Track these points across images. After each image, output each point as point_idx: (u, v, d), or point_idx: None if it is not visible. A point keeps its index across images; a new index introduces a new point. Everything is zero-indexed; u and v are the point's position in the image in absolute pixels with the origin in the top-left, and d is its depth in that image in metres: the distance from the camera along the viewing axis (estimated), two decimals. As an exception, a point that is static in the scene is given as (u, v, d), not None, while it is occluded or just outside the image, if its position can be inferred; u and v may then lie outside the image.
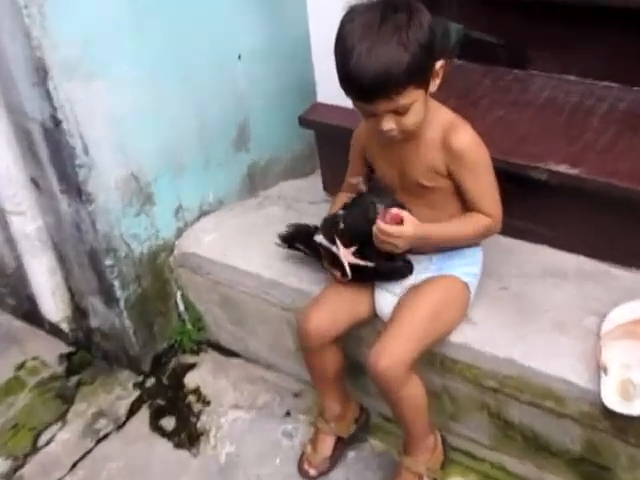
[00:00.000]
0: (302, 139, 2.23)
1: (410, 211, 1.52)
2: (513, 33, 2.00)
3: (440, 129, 1.51)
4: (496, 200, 1.54)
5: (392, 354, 1.50)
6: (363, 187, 1.60)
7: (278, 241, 1.85)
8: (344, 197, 1.69)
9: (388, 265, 1.58)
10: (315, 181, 2.18)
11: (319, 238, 1.66)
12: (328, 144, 2.05)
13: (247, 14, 2.02)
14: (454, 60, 2.13)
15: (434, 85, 1.46)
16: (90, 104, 1.72)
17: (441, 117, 1.52)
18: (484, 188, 1.53)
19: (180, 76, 1.90)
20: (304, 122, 2.02)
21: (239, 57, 2.04)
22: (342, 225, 1.59)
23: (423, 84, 1.42)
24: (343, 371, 1.72)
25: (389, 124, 1.44)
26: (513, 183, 1.70)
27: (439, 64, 1.44)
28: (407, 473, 1.64)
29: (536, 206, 1.78)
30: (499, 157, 1.69)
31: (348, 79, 1.41)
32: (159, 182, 1.94)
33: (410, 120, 1.44)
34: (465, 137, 1.50)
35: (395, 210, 1.48)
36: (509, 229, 1.80)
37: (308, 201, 2.13)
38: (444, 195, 1.56)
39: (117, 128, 1.79)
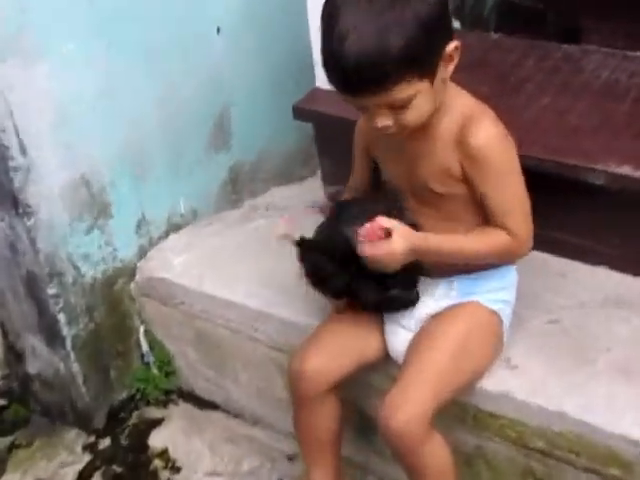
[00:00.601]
0: (297, 134, 2.24)
1: (416, 224, 1.52)
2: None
3: (458, 121, 1.50)
4: (523, 215, 1.52)
5: (409, 407, 1.49)
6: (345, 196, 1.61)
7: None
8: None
9: (378, 295, 1.57)
10: (313, 186, 2.20)
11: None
12: (330, 140, 2.06)
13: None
14: (490, 33, 2.15)
15: (446, 71, 1.44)
16: (28, 91, 1.72)
17: (460, 106, 1.51)
18: (507, 198, 1.50)
19: (142, 55, 1.91)
20: (300, 112, 2.03)
21: (218, 30, 2.05)
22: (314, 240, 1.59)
23: (427, 73, 1.40)
24: (340, 433, 1.71)
25: (384, 120, 1.43)
26: (564, 188, 1.71)
27: (452, 45, 1.41)
28: None
29: (593, 218, 1.78)
30: (546, 156, 1.70)
31: (328, 65, 1.40)
32: (116, 189, 1.95)
33: (410, 116, 1.43)
34: (486, 131, 1.48)
35: (376, 223, 1.46)
36: (560, 247, 1.80)
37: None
38: (461, 205, 1.55)
39: (63, 121, 1.79)
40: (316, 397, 1.64)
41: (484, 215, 1.54)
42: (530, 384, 1.60)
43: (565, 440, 1.56)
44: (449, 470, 1.57)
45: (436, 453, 1.54)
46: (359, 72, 1.35)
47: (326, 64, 1.41)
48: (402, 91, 1.38)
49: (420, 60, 1.37)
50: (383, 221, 1.47)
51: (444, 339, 1.57)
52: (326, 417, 1.68)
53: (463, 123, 1.49)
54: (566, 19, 2.03)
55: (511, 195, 1.50)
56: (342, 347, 1.64)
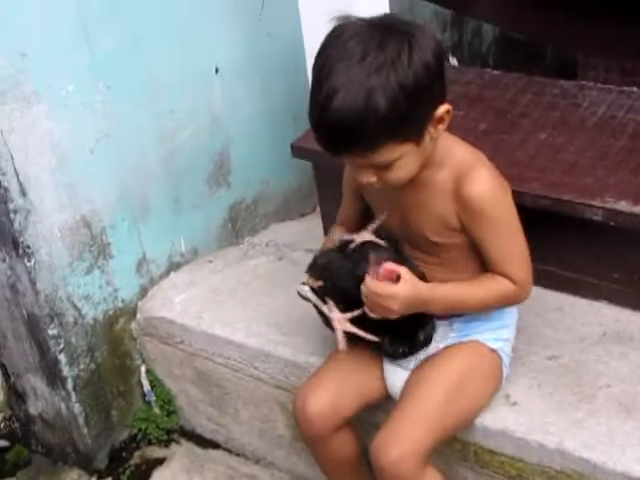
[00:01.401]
0: (297, 171, 2.26)
1: (424, 275, 1.52)
2: (561, 35, 2.03)
3: (453, 172, 1.50)
4: (523, 262, 1.52)
5: (402, 444, 1.49)
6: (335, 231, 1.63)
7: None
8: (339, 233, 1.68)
9: (392, 345, 1.58)
10: (315, 223, 2.21)
11: (304, 290, 1.65)
12: (329, 178, 2.06)
13: (227, 19, 2.07)
14: (488, 70, 2.17)
15: (436, 132, 1.43)
16: (28, 133, 1.74)
17: (456, 157, 1.51)
18: (506, 246, 1.51)
19: (142, 96, 1.93)
20: (298, 151, 2.04)
21: (216, 71, 2.08)
22: (320, 282, 1.59)
23: (412, 137, 1.39)
24: (361, 455, 1.71)
25: (368, 177, 1.44)
26: (561, 224, 1.72)
27: (443, 109, 1.40)
28: None
29: (592, 253, 1.78)
30: (543, 192, 1.71)
31: (313, 120, 1.40)
32: (117, 229, 1.96)
33: (394, 175, 1.43)
34: (481, 183, 1.47)
35: (389, 265, 1.46)
36: (558, 282, 1.81)
37: (305, 249, 2.14)
38: (459, 253, 1.56)
39: (62, 163, 1.81)
40: (325, 435, 1.65)
41: (482, 262, 1.54)
42: (530, 421, 1.60)
43: (565, 477, 1.56)
44: None
45: None
46: (341, 133, 1.35)
47: (311, 119, 1.40)
48: (385, 154, 1.38)
49: (404, 126, 1.36)
50: (395, 266, 1.46)
51: (440, 379, 1.57)
52: (341, 449, 1.68)
53: (459, 174, 1.49)
54: (563, 55, 2.05)
55: (510, 243, 1.51)
56: (345, 387, 1.64)
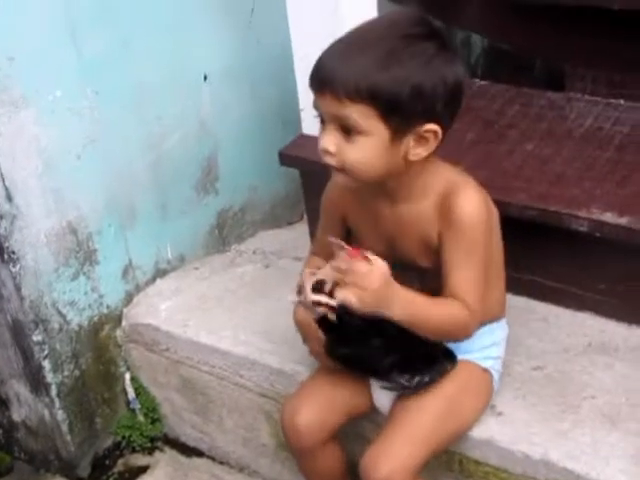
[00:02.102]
0: (284, 179, 2.26)
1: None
2: (549, 46, 2.04)
3: (441, 194, 1.49)
4: (481, 295, 1.48)
5: (391, 460, 1.49)
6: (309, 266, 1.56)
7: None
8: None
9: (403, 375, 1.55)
10: (302, 231, 2.20)
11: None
12: (316, 186, 2.05)
13: (215, 24, 2.07)
14: (476, 80, 2.18)
15: (414, 151, 1.42)
16: (15, 138, 1.74)
17: (443, 180, 1.50)
18: (473, 274, 1.47)
19: (130, 102, 1.93)
20: (286, 159, 2.05)
21: (205, 78, 2.08)
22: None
23: (390, 123, 1.38)
24: (347, 469, 1.72)
25: (329, 142, 1.41)
26: (548, 235, 1.73)
27: (429, 126, 1.40)
28: None
29: (577, 264, 1.80)
30: (530, 203, 1.72)
31: (322, 53, 1.44)
32: (103, 235, 1.96)
33: (352, 153, 1.40)
34: (471, 203, 1.47)
35: (361, 250, 1.40)
36: (544, 292, 1.82)
37: (293, 257, 2.15)
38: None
39: (49, 168, 1.81)
40: (313, 448, 1.65)
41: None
42: (514, 431, 1.61)
43: (550, 488, 1.58)
44: None
45: None
46: (332, 70, 1.38)
47: (319, 58, 1.44)
48: (358, 113, 1.37)
49: (389, 106, 1.37)
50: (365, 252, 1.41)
51: (432, 398, 1.55)
52: (328, 461, 1.69)
53: (446, 194, 1.48)
54: (551, 67, 2.06)
55: (477, 271, 1.47)
56: (333, 400, 1.64)
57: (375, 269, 1.38)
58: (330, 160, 1.44)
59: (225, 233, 2.26)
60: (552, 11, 1.95)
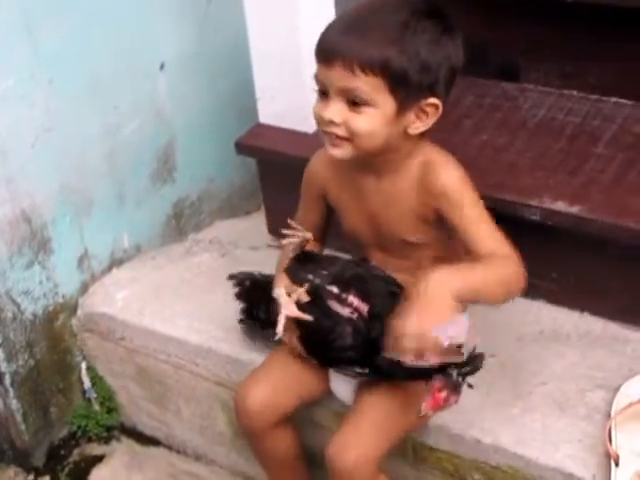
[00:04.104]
0: (242, 169, 2.26)
1: (401, 286, 1.52)
2: (502, 37, 2.06)
3: (419, 165, 1.53)
4: (503, 238, 1.48)
5: (358, 448, 1.51)
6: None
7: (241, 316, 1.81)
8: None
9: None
10: (259, 221, 2.21)
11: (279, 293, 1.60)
12: (273, 176, 2.08)
13: (172, 13, 2.06)
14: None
15: (412, 125, 1.47)
16: (-34, 126, 1.73)
17: (423, 153, 1.53)
18: (490, 226, 1.49)
19: (84, 90, 1.92)
20: (242, 148, 2.05)
21: (161, 66, 2.08)
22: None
23: (397, 95, 1.42)
24: (300, 453, 1.74)
25: (335, 113, 1.43)
26: (500, 224, 1.74)
27: (432, 101, 1.45)
28: None
29: (529, 253, 1.80)
30: (483, 192, 1.71)
31: (328, 28, 1.45)
32: (58, 224, 1.96)
33: (360, 122, 1.43)
34: (452, 172, 1.51)
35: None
36: (497, 281, 1.83)
37: (249, 246, 2.16)
38: (432, 252, 1.56)
39: (2, 157, 1.80)
40: (264, 431, 1.66)
41: (452, 263, 1.46)
42: (466, 417, 1.63)
43: (501, 473, 1.60)
44: None
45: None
46: (347, 42, 1.40)
47: (327, 26, 1.46)
48: (369, 85, 1.40)
49: (398, 79, 1.40)
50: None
51: (397, 390, 1.55)
52: (281, 444, 1.70)
53: (426, 167, 1.52)
54: (505, 58, 2.08)
55: (491, 221, 1.50)
56: (285, 382, 1.66)
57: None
58: (335, 130, 1.45)
59: (182, 223, 2.26)
60: (507, 3, 1.98)
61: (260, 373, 1.69)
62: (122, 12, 1.95)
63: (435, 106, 1.46)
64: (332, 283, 1.55)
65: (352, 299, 1.53)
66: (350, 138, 1.46)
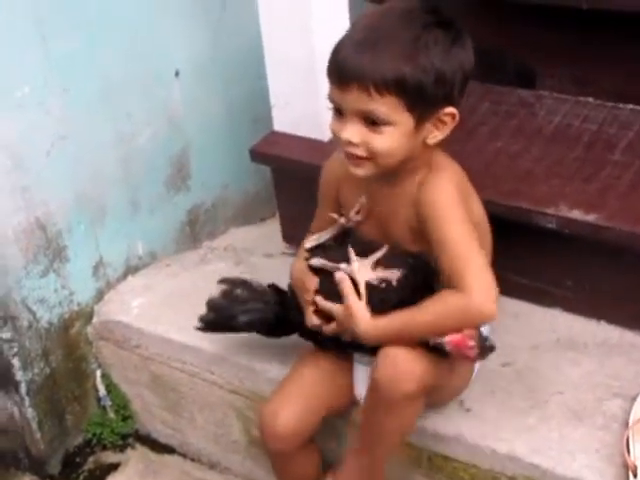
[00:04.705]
0: (256, 176, 2.27)
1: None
2: (518, 44, 2.05)
3: (418, 178, 1.51)
4: (477, 270, 1.42)
5: (412, 363, 1.46)
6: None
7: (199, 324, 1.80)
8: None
9: None
10: (274, 228, 2.21)
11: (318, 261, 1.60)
12: (287, 183, 2.08)
13: (186, 20, 2.07)
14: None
15: (431, 135, 1.47)
16: (-19, 134, 1.74)
17: (423, 162, 1.52)
18: (457, 248, 1.43)
19: (99, 98, 1.93)
20: (257, 156, 2.05)
21: (176, 73, 2.09)
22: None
23: (414, 111, 1.42)
24: (321, 467, 1.74)
25: (353, 134, 1.43)
26: (516, 232, 1.74)
27: (448, 109, 1.45)
28: None
29: (546, 261, 1.81)
30: (498, 199, 1.73)
31: (339, 48, 1.44)
32: (73, 232, 1.96)
33: (379, 142, 1.42)
34: (436, 186, 1.49)
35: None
36: (513, 289, 1.83)
37: (263, 253, 2.16)
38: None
39: (17, 165, 1.81)
40: (292, 451, 1.65)
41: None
42: (482, 427, 1.62)
43: (517, 483, 1.59)
44: (409, 432, 1.59)
45: (413, 415, 1.54)
46: (361, 64, 1.39)
47: (338, 46, 1.45)
48: (386, 106, 1.40)
49: (415, 95, 1.40)
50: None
51: None
52: (305, 465, 1.70)
53: (422, 180, 1.51)
54: (521, 65, 2.07)
55: (459, 248, 1.43)
56: (312, 400, 1.64)
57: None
58: (355, 151, 1.45)
59: (196, 230, 2.26)
60: (523, 9, 1.97)
61: (286, 394, 1.66)
62: (135, 19, 1.96)
63: (452, 115, 1.46)
64: None
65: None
66: (370, 157, 1.45)
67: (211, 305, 1.76)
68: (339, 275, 1.52)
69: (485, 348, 1.48)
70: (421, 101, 1.41)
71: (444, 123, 1.47)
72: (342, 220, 1.63)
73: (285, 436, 1.62)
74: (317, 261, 1.59)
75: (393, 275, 1.51)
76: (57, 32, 1.80)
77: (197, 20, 2.09)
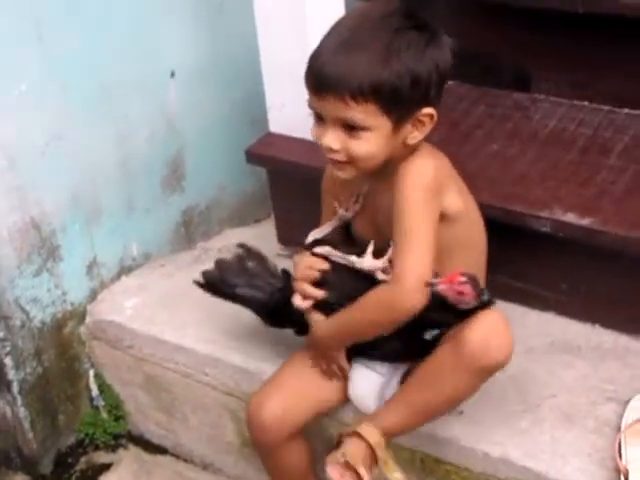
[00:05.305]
0: (252, 177, 2.26)
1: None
2: (514, 47, 2.06)
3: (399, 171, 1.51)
4: (414, 261, 1.43)
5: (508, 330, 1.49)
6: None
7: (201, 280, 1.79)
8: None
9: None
10: (269, 229, 2.21)
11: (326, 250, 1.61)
12: (283, 185, 2.08)
13: (183, 22, 2.07)
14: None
15: (411, 135, 1.47)
16: (-23, 133, 1.74)
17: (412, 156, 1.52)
18: (403, 233, 1.45)
19: (96, 97, 1.93)
20: (253, 157, 2.05)
21: (172, 74, 2.09)
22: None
23: (392, 115, 1.43)
24: (311, 466, 1.73)
25: (333, 140, 1.45)
26: (511, 235, 1.74)
27: (427, 110, 1.46)
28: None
29: (541, 264, 1.81)
30: (493, 202, 1.73)
31: (315, 56, 1.45)
32: (67, 231, 1.96)
33: (359, 147, 1.44)
34: (414, 165, 1.49)
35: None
36: (508, 292, 1.83)
37: (259, 255, 2.16)
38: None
39: (12, 164, 1.80)
40: (278, 445, 1.65)
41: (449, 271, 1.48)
42: (475, 430, 1.62)
43: (509, 486, 1.59)
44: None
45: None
46: (336, 74, 1.40)
47: (313, 55, 1.46)
48: (362, 113, 1.41)
49: (391, 99, 1.41)
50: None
51: None
52: (293, 458, 1.69)
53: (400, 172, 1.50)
54: (517, 68, 2.07)
55: (407, 234, 1.45)
56: (302, 395, 1.65)
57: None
58: (335, 156, 1.47)
59: (191, 231, 2.26)
60: (518, 13, 1.97)
61: (274, 385, 1.67)
62: (133, 20, 1.96)
63: (430, 115, 1.47)
64: None
65: None
66: (351, 161, 1.47)
67: (220, 265, 1.76)
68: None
69: (480, 292, 1.48)
70: (397, 104, 1.42)
71: (422, 123, 1.48)
72: (342, 210, 1.65)
73: (270, 427, 1.63)
74: (321, 249, 1.60)
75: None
76: (55, 31, 1.80)
77: (194, 21, 2.09)
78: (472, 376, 1.50)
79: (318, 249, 1.61)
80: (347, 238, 1.68)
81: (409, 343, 1.56)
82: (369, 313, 1.50)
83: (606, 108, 1.96)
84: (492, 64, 2.11)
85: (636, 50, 1.87)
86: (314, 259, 1.60)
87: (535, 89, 2.05)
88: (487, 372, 1.49)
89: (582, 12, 1.84)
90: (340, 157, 1.47)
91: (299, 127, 1.97)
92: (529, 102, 2.02)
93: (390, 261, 1.51)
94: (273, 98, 1.98)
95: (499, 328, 1.48)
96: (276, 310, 1.71)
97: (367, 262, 1.54)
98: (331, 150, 1.46)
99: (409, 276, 1.43)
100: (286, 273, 1.73)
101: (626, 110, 1.95)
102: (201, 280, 1.77)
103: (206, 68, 2.14)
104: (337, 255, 1.58)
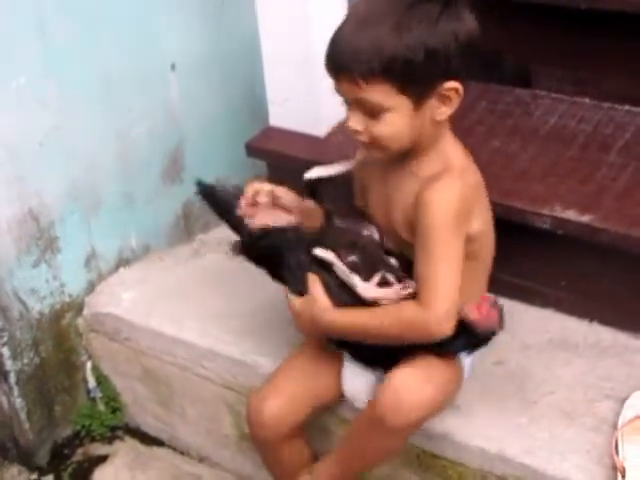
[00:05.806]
0: (251, 170, 2.24)
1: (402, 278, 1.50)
2: (515, 43, 2.05)
3: (431, 171, 1.48)
4: (444, 290, 1.42)
5: (419, 390, 1.48)
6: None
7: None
8: None
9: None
10: (268, 223, 2.20)
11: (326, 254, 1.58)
12: (282, 178, 2.06)
13: (184, 14, 2.06)
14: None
15: (438, 111, 1.43)
16: (-24, 124, 1.73)
17: (442, 158, 1.49)
18: (431, 263, 1.43)
19: (95, 89, 1.92)
20: (253, 150, 2.05)
21: (172, 67, 2.08)
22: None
23: (410, 93, 1.39)
24: (311, 459, 1.73)
25: (355, 123, 1.44)
26: (510, 232, 1.73)
27: (450, 84, 1.41)
28: None
29: (539, 261, 1.81)
30: (493, 199, 1.72)
31: (331, 39, 1.44)
32: (66, 223, 1.95)
33: (380, 130, 1.42)
34: (442, 190, 1.44)
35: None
36: (506, 289, 1.83)
37: (258, 248, 2.15)
38: None
39: (11, 155, 1.80)
40: (278, 442, 1.66)
41: (475, 275, 1.53)
42: (472, 426, 1.62)
43: (507, 483, 1.59)
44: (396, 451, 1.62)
45: (407, 438, 1.57)
46: (345, 54, 1.39)
47: (331, 39, 1.44)
48: (378, 94, 1.39)
49: (405, 75, 1.37)
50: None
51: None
52: (293, 455, 1.70)
53: (432, 176, 1.47)
54: (518, 64, 2.07)
55: (437, 261, 1.43)
56: (302, 392, 1.65)
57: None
58: (361, 138, 1.46)
59: (190, 223, 2.25)
60: (520, 9, 1.97)
61: (274, 383, 1.67)
62: (134, 12, 1.95)
63: (455, 89, 1.42)
64: None
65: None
66: (376, 143, 1.45)
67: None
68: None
69: (502, 314, 1.49)
70: (414, 81, 1.38)
71: (449, 98, 1.43)
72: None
73: (271, 424, 1.63)
74: (325, 253, 1.57)
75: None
76: (55, 23, 1.79)
77: (195, 14, 2.08)
78: (389, 437, 1.52)
79: (320, 252, 1.57)
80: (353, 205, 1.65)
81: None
82: (391, 327, 1.47)
83: (607, 105, 1.95)
84: (493, 60, 2.10)
85: (637, 47, 1.87)
86: (269, 187, 1.67)
87: (536, 85, 2.05)
88: (404, 431, 1.51)
89: (584, 8, 1.84)
90: (364, 138, 1.45)
91: (300, 121, 1.98)
92: (530, 98, 2.02)
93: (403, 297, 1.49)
94: (274, 91, 1.98)
95: (411, 386, 1.48)
96: (258, 242, 1.68)
97: (371, 291, 1.51)
98: (356, 132, 1.45)
99: (441, 304, 1.42)
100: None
101: (627, 107, 1.94)
102: (247, 239, 1.72)
103: (207, 61, 2.13)
104: (339, 268, 1.53)
